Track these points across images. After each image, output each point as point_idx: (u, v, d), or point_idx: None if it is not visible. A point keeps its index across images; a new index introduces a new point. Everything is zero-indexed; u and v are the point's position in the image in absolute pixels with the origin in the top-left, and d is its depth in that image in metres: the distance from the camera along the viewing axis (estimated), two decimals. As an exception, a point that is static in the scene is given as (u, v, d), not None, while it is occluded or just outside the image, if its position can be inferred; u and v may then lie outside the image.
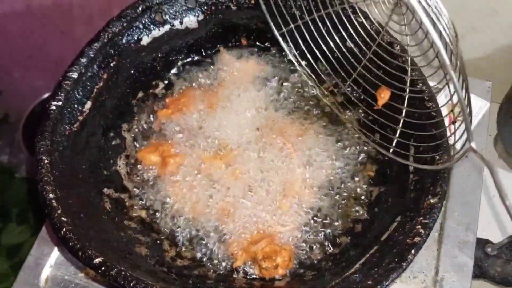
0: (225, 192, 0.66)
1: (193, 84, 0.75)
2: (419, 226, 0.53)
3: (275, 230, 0.63)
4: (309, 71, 0.73)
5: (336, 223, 0.65)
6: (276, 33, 0.71)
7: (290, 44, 0.72)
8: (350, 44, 0.68)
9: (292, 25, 0.70)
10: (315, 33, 0.69)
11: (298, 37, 0.70)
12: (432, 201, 0.54)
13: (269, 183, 0.67)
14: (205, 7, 0.71)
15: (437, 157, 0.57)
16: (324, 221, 0.65)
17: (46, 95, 1.30)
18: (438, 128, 0.58)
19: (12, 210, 1.17)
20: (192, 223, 0.65)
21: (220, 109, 0.72)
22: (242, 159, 0.68)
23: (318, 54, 0.71)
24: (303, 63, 0.74)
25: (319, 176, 0.68)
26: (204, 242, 0.64)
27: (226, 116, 0.72)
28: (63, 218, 0.52)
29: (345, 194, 0.67)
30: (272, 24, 0.70)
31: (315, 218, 0.65)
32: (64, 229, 0.52)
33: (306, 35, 0.70)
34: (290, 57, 0.73)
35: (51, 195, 0.54)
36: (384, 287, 0.50)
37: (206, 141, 0.70)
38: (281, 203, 0.65)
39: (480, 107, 0.77)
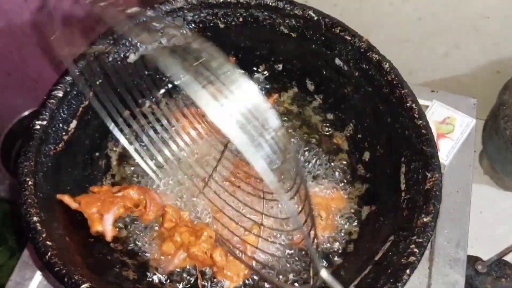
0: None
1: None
2: (413, 246, 0.52)
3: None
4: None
5: (328, 244, 0.64)
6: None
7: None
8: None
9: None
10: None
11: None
12: (425, 220, 0.53)
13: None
14: (193, 25, 0.70)
15: (429, 175, 0.56)
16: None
17: (25, 113, 1.28)
18: (429, 145, 0.58)
19: (-10, 232, 1.14)
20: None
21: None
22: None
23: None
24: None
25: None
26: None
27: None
28: (48, 242, 0.51)
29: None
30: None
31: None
32: (49, 253, 0.50)
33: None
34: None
35: (35, 218, 0.52)
36: (379, 309, 0.50)
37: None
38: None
39: (467, 124, 0.78)
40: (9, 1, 1.01)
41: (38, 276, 0.66)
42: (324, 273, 0.42)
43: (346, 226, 0.65)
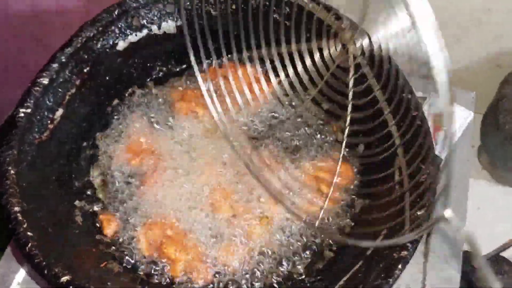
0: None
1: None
2: (406, 240, 0.50)
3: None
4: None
5: (319, 239, 0.62)
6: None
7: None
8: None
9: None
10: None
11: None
12: (418, 213, 0.52)
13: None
14: (184, 11, 0.68)
15: (424, 167, 0.55)
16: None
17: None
18: (425, 137, 0.56)
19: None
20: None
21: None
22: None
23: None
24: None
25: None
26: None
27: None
28: (29, 233, 0.49)
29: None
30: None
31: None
32: (29, 244, 0.48)
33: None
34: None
35: (16, 208, 0.50)
36: (370, 304, 0.48)
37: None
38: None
39: (465, 117, 0.76)
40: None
41: (24, 268, 0.65)
42: (449, 213, 0.32)
43: (340, 220, 0.64)
